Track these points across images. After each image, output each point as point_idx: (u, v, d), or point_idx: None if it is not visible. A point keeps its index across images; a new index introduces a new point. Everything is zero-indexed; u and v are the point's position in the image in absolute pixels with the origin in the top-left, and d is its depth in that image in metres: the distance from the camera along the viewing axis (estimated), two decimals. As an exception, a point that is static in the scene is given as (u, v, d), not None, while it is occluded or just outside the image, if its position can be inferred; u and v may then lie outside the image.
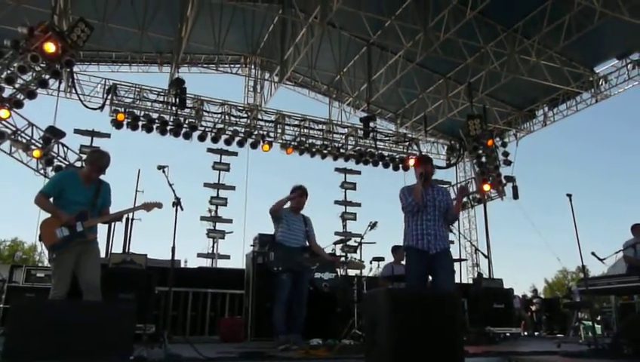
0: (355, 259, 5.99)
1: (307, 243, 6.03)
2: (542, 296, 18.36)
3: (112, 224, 10.06)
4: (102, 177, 4.68)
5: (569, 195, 5.78)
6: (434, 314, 3.33)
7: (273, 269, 5.68)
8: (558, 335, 11.72)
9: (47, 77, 9.24)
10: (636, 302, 9.42)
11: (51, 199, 4.42)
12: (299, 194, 5.99)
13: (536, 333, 13.25)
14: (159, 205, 4.64)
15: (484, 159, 13.79)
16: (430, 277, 4.79)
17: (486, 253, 13.78)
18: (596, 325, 9.49)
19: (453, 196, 5.52)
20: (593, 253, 6.85)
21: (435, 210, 4.79)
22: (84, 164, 5.10)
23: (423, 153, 15.12)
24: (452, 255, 4.99)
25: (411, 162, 14.08)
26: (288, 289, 5.60)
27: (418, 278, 4.71)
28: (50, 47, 8.60)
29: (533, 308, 14.80)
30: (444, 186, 4.74)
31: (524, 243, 65.36)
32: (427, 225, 4.72)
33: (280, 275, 5.64)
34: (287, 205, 5.99)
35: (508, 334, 9.28)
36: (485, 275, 12.76)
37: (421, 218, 4.76)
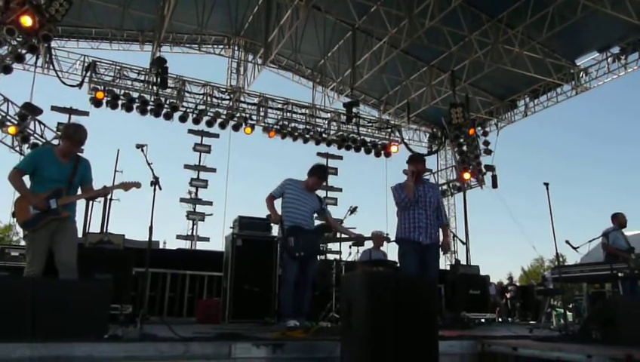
0: (382, 233, 5.81)
1: (312, 222, 5.79)
2: (517, 283, 18.72)
3: (90, 203, 9.93)
4: (80, 154, 4.60)
5: (546, 184, 5.87)
6: (410, 297, 3.37)
7: (295, 255, 5.47)
8: (532, 321, 11.99)
9: (23, 51, 8.99)
10: (607, 290, 9.68)
11: (27, 176, 4.33)
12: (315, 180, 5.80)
13: (510, 319, 13.53)
14: (137, 185, 4.58)
15: (465, 148, 13.92)
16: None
17: (464, 240, 13.97)
18: (568, 312, 9.74)
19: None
20: (567, 242, 7.00)
21: (426, 204, 5.26)
22: (60, 141, 5.00)
23: (406, 139, 15.22)
24: (439, 248, 5.39)
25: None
26: (297, 272, 5.46)
27: (413, 266, 5.10)
28: (26, 21, 8.35)
29: (508, 295, 15.09)
30: (433, 183, 5.35)
31: (503, 231, 66.56)
32: (419, 219, 5.19)
33: (290, 256, 5.47)
34: (299, 179, 5.82)
35: (483, 320, 9.47)
36: (463, 262, 12.93)
37: (414, 212, 5.22)
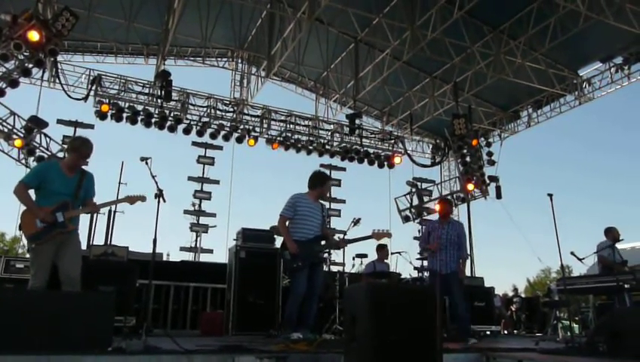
0: (382, 230, 5.73)
1: (321, 231, 5.71)
2: (522, 294, 18.57)
3: (94, 216, 9.98)
4: (84, 168, 4.63)
5: (550, 195, 5.84)
6: (414, 310, 3.36)
7: (293, 266, 5.46)
8: (537, 333, 11.87)
9: (30, 66, 9.08)
10: (614, 302, 9.58)
11: (33, 190, 4.36)
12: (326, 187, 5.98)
13: (515, 332, 13.40)
14: (143, 198, 4.61)
15: (468, 158, 13.89)
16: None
17: (468, 252, 13.88)
18: (574, 324, 9.63)
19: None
20: (572, 253, 6.96)
21: (448, 242, 6.43)
22: (66, 154, 5.04)
23: (409, 150, 15.24)
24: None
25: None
26: (305, 286, 5.40)
27: (439, 291, 6.09)
28: (33, 36, 8.46)
29: (514, 306, 14.96)
30: (458, 221, 6.94)
31: (507, 243, 66.23)
32: (440, 254, 6.33)
33: (297, 271, 5.43)
34: (305, 191, 5.80)
35: (488, 332, 9.39)
36: (467, 274, 12.86)
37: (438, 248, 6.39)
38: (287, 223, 5.62)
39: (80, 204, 4.49)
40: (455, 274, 6.36)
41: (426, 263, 8.44)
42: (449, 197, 14.74)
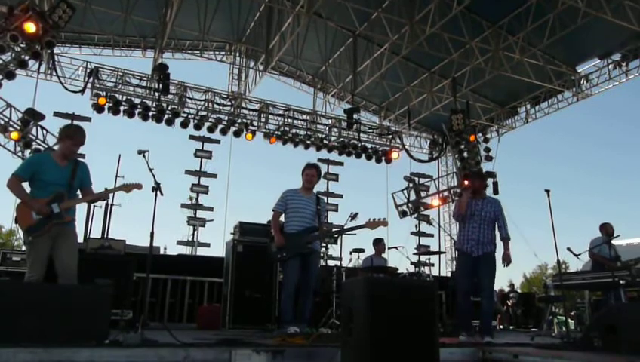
0: (378, 219, 5.64)
1: (316, 223, 5.66)
2: (518, 290, 18.66)
3: (91, 208, 9.93)
4: (78, 158, 4.61)
5: (547, 191, 5.85)
6: (411, 304, 3.36)
7: (277, 257, 5.52)
8: (533, 329, 11.93)
9: (26, 58, 9.02)
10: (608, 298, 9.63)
11: (27, 183, 4.32)
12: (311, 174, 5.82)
13: (511, 327, 13.47)
14: (139, 186, 4.57)
15: (465, 154, 13.88)
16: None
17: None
18: (570, 320, 9.69)
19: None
20: (569, 249, 7.00)
21: (481, 219, 5.59)
22: (58, 142, 5.00)
23: (406, 145, 15.23)
24: (495, 258, 5.58)
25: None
26: (296, 277, 5.41)
27: (464, 275, 5.67)
28: (30, 27, 8.39)
29: (510, 302, 15.04)
30: (494, 198, 5.97)
31: (503, 238, 66.31)
32: (472, 232, 5.56)
33: (287, 263, 5.45)
34: (297, 187, 5.86)
35: (484, 327, 9.37)
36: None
37: (468, 226, 5.62)
38: (280, 218, 5.70)
39: (75, 194, 4.46)
40: (489, 257, 5.51)
41: (423, 258, 8.20)
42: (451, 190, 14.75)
